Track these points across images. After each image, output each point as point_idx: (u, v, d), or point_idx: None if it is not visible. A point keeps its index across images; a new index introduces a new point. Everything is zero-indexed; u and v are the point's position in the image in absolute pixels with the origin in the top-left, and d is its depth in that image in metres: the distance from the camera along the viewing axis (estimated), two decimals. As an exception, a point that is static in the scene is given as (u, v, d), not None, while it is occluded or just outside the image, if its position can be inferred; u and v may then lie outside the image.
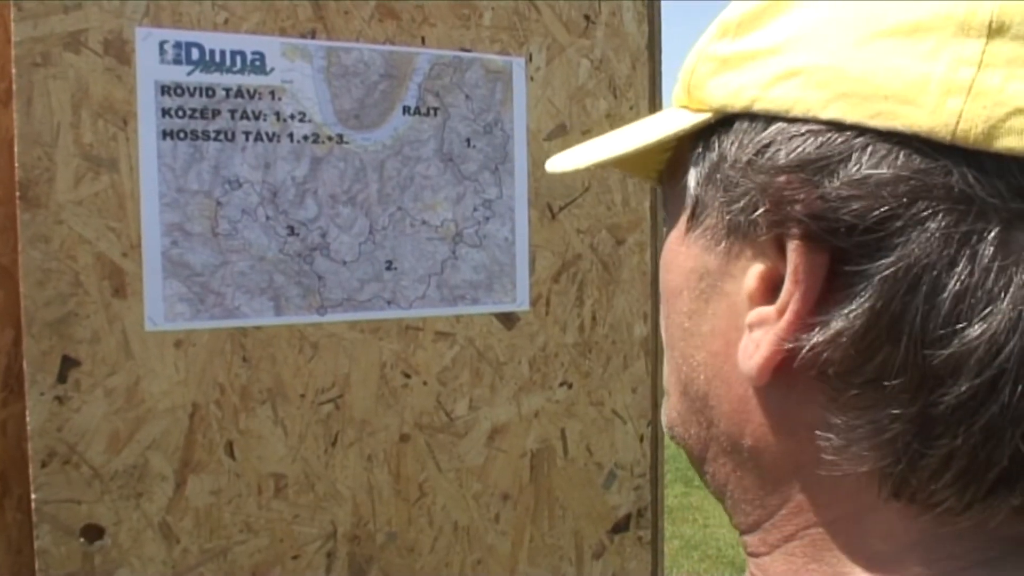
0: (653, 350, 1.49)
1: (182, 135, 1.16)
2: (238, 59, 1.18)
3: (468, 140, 1.32)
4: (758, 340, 0.40)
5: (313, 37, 1.22)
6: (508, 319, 1.37)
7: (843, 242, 0.37)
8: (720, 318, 0.43)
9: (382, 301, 1.28)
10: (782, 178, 0.38)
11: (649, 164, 0.51)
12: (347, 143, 1.25)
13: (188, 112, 1.16)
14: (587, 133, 1.40)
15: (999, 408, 0.35)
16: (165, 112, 1.14)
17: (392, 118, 1.27)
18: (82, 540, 1.12)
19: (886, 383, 0.37)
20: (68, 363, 1.11)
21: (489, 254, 1.35)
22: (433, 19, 1.29)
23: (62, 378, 1.11)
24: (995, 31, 0.35)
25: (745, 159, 0.40)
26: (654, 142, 0.46)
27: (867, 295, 0.36)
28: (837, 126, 0.37)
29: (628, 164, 0.52)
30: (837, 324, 0.37)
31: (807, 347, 0.38)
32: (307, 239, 1.23)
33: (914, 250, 0.35)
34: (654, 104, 1.46)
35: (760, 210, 0.39)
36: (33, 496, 1.10)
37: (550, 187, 1.38)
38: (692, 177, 0.44)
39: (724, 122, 0.42)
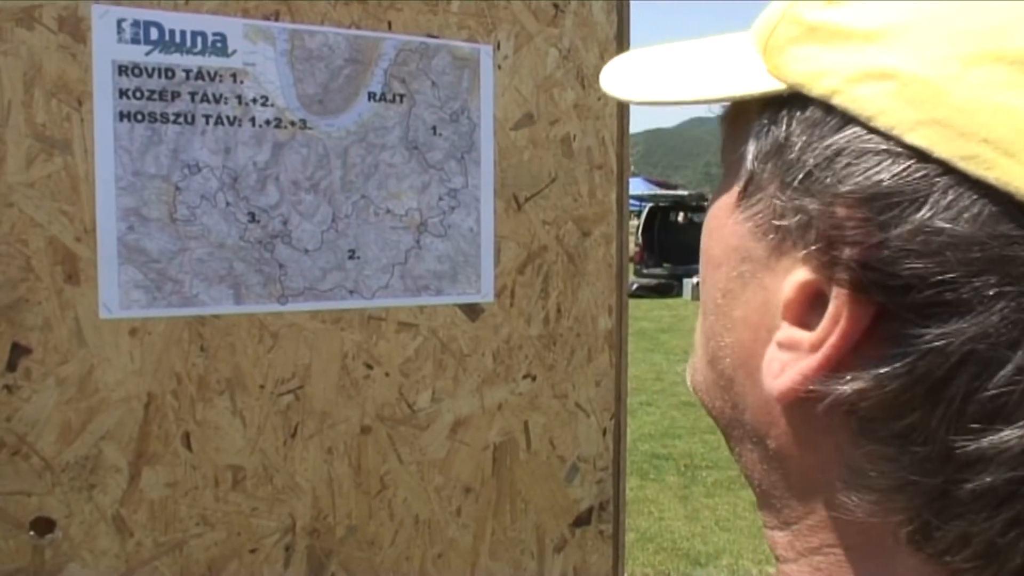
0: (617, 344, 1.48)
1: (139, 117, 1.12)
2: (199, 40, 1.15)
3: (434, 128, 1.30)
4: (784, 363, 0.37)
5: (277, 19, 1.19)
6: (472, 310, 1.35)
7: (892, 301, 0.33)
8: (753, 309, 0.40)
9: (344, 291, 1.26)
10: (841, 211, 0.34)
11: None
12: (310, 128, 1.22)
13: (146, 93, 1.12)
14: (555, 123, 1.39)
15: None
16: (122, 93, 1.11)
17: (357, 104, 1.25)
18: (32, 533, 1.08)
19: (911, 447, 0.34)
20: (18, 351, 1.07)
21: (454, 244, 1.33)
22: (400, 4, 1.27)
23: (12, 366, 1.07)
24: None
25: (809, 164, 0.35)
26: (724, 97, 0.41)
27: (909, 361, 0.33)
28: (920, 155, 0.32)
29: None
30: (868, 381, 0.34)
31: (832, 395, 0.35)
32: (268, 226, 1.20)
33: (971, 327, 0.31)
34: (622, 95, 1.45)
35: (810, 236, 0.36)
36: (-20, 488, 1.06)
37: (516, 177, 1.37)
38: (751, 148, 0.39)
39: (799, 97, 0.37)
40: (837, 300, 0.34)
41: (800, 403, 0.37)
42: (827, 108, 0.35)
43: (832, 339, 0.35)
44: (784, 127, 0.37)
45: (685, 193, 21.99)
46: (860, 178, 0.33)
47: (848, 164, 0.34)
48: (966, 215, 0.31)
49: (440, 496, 1.35)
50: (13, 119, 1.06)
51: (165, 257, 1.14)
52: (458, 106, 1.32)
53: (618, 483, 1.51)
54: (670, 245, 18.46)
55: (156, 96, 1.13)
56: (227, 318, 1.18)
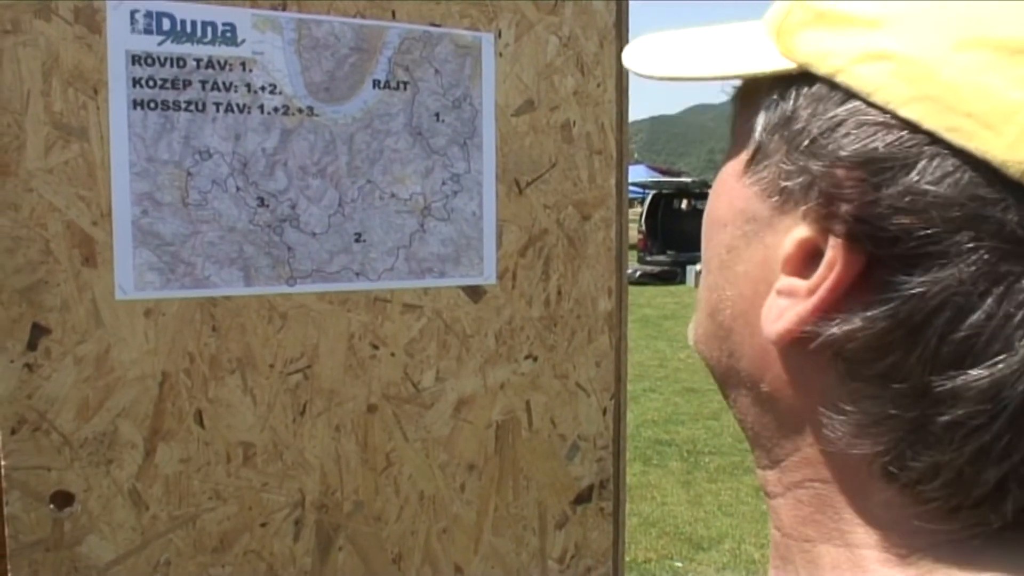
0: (617, 324, 1.52)
1: (152, 105, 1.16)
2: (209, 30, 1.19)
3: (437, 115, 1.34)
4: (782, 309, 0.42)
5: (284, 9, 1.23)
6: (475, 292, 1.39)
7: (882, 251, 0.37)
8: (754, 265, 0.45)
9: (351, 273, 1.30)
10: (840, 171, 0.38)
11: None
12: (317, 116, 1.26)
13: (159, 82, 1.16)
14: (555, 109, 1.42)
15: (990, 439, 0.37)
16: (136, 82, 1.15)
17: (362, 91, 1.29)
18: (52, 507, 1.13)
19: (891, 384, 0.39)
20: (38, 331, 1.11)
21: (457, 228, 1.37)
22: (403, -6, 1.30)
23: (32, 346, 1.11)
24: None
25: (814, 132, 0.40)
26: (739, 75, 0.46)
27: (892, 306, 0.37)
28: (912, 126, 0.37)
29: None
30: (856, 323, 0.39)
31: (824, 335, 0.40)
32: (277, 210, 1.24)
33: (949, 276, 0.36)
34: (621, 82, 1.48)
35: (812, 195, 0.40)
36: (3, 463, 1.10)
37: (517, 162, 1.40)
38: (760, 120, 0.44)
39: (806, 76, 0.42)
40: (833, 249, 0.39)
41: (794, 346, 0.42)
42: (831, 85, 0.40)
43: (827, 283, 0.39)
44: (792, 101, 0.42)
45: (688, 180, 21.91)
46: (858, 145, 0.38)
47: (848, 133, 0.38)
48: (949, 179, 0.36)
49: (444, 473, 1.39)
50: (32, 108, 1.09)
51: (178, 240, 1.18)
52: (460, 93, 1.35)
53: (618, 462, 1.55)
54: (673, 232, 18.41)
55: (168, 85, 1.16)
56: (238, 299, 1.22)
